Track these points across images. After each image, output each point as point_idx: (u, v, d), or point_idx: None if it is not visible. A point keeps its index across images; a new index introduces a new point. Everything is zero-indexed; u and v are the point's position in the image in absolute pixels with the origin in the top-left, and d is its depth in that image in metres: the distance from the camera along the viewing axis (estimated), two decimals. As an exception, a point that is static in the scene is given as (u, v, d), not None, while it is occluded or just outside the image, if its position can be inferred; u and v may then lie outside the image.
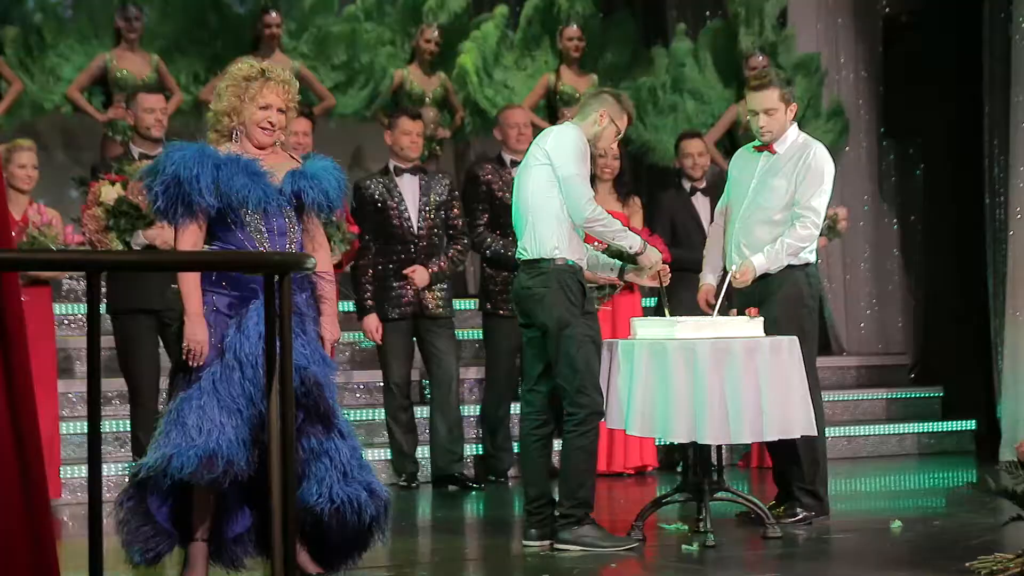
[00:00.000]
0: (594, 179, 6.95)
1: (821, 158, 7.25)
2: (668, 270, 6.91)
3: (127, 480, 5.63)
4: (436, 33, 10.72)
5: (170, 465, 5.35)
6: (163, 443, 5.43)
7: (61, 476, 8.14)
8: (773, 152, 7.28)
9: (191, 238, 5.55)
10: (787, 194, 7.19)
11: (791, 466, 7.26)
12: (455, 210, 8.86)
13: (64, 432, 8.38)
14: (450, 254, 8.81)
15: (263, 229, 5.59)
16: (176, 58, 10.46)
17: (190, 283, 5.55)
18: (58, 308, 9.19)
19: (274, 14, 10.42)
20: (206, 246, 5.61)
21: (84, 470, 8.06)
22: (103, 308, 7.66)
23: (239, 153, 5.60)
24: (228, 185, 5.48)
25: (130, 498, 5.58)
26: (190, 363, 5.53)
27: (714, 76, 11.26)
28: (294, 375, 5.36)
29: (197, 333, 5.52)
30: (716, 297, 7.24)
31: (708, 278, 7.41)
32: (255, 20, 10.48)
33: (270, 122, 5.65)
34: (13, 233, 7.30)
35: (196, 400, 5.44)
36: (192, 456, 5.34)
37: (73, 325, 9.69)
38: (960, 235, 11.06)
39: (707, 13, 11.83)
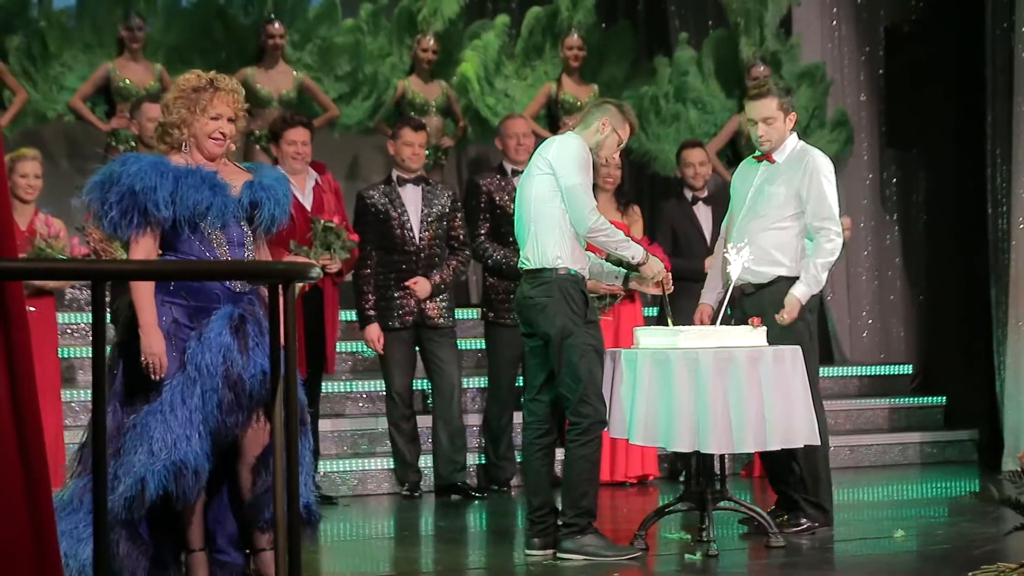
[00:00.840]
0: (595, 189, 6.96)
1: (821, 165, 7.24)
2: (671, 279, 6.92)
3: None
4: (432, 42, 10.74)
5: (146, 489, 5.28)
6: (132, 463, 5.34)
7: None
8: (772, 161, 7.28)
9: (144, 250, 5.48)
10: (785, 201, 7.19)
11: (790, 477, 7.26)
12: (457, 221, 8.87)
13: (68, 441, 8.37)
14: (452, 265, 8.81)
15: (223, 240, 5.55)
16: (180, 68, 10.40)
17: (144, 294, 5.45)
18: (61, 317, 9.19)
19: (278, 25, 10.43)
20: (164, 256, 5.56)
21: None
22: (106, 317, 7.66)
23: (197, 166, 5.56)
24: (188, 197, 5.44)
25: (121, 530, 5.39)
26: (152, 376, 5.43)
27: (717, 86, 11.26)
28: (254, 383, 5.37)
29: (154, 345, 5.43)
30: (716, 310, 7.24)
31: (707, 297, 7.40)
32: (259, 30, 10.49)
33: (221, 132, 5.62)
34: (19, 243, 7.33)
35: (160, 413, 5.36)
36: (160, 471, 5.27)
37: (76, 334, 9.68)
38: (962, 244, 11.06)
39: (710, 23, 11.83)
